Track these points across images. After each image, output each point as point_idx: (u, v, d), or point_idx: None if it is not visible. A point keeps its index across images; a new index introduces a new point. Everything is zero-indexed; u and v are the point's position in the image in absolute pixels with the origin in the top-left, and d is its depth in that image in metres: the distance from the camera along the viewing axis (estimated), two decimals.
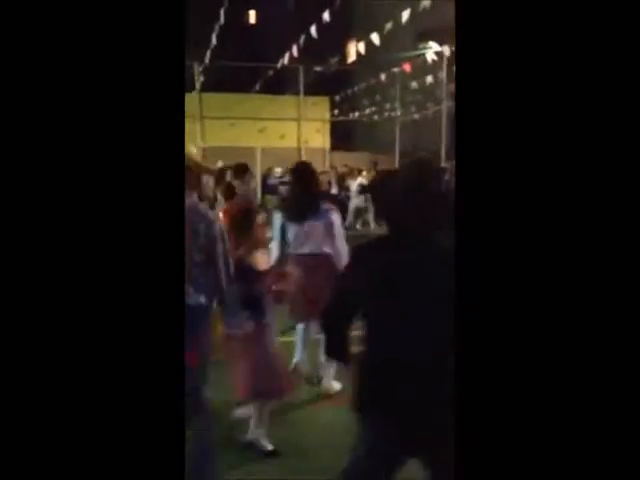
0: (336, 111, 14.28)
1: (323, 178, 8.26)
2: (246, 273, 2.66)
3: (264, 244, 2.78)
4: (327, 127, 13.81)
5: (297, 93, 12.34)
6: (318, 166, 11.33)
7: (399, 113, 12.70)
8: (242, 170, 4.63)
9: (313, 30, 7.66)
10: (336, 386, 3.32)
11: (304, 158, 12.68)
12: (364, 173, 11.34)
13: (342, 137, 15.46)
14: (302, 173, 3.20)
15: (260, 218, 2.78)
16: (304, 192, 3.11)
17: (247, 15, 18.93)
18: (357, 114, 13.98)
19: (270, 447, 2.75)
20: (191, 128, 12.06)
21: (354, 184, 10.95)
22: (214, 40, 8.50)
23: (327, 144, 13.74)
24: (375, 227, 10.93)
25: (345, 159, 13.26)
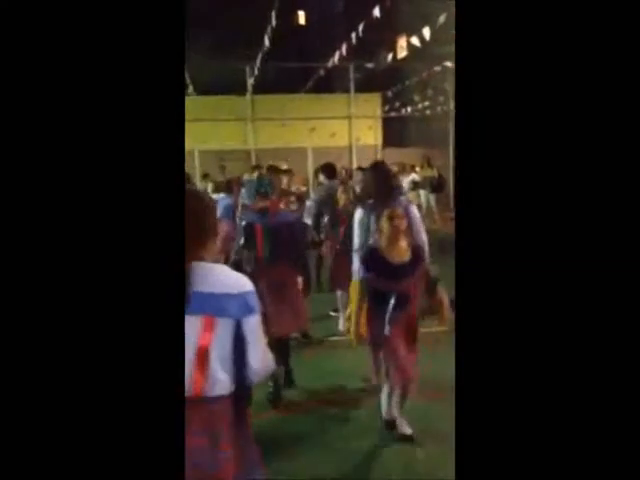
0: (387, 107, 14.16)
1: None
2: (378, 266, 2.62)
3: (405, 234, 2.76)
4: (379, 124, 13.70)
5: (348, 91, 12.31)
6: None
7: (452, 107, 12.43)
8: (332, 169, 5.41)
9: (363, 27, 7.62)
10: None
11: (355, 156, 12.68)
12: (417, 169, 11.17)
13: (394, 133, 15.31)
14: (381, 169, 3.58)
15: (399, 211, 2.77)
16: (384, 186, 3.41)
17: (296, 16, 19.04)
18: (409, 109, 13.79)
19: (408, 431, 2.78)
20: (243, 130, 12.32)
21: (406, 181, 10.81)
22: (266, 42, 8.61)
23: (379, 141, 13.62)
24: (430, 223, 10.75)
25: (397, 155, 13.11)
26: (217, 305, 1.38)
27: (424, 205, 10.94)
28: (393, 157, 12.41)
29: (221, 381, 1.40)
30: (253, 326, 1.44)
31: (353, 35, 7.97)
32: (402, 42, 10.22)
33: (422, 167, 11.15)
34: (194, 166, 11.35)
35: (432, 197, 10.88)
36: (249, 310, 1.42)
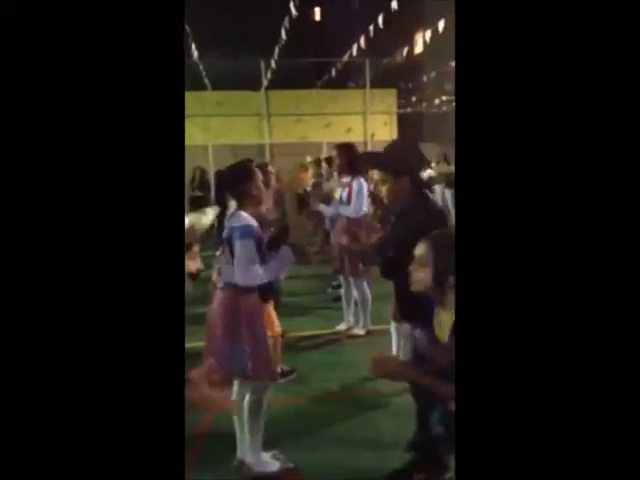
0: (403, 102, 14.07)
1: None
2: None
3: None
4: (394, 119, 13.62)
5: (363, 86, 12.26)
6: None
7: None
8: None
9: (380, 22, 7.57)
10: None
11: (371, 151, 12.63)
12: (433, 165, 11.08)
13: (410, 129, 15.22)
14: (346, 149, 4.50)
15: None
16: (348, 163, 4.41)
17: (312, 12, 19.05)
18: (425, 105, 13.70)
19: None
20: (258, 125, 12.33)
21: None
22: (283, 37, 8.60)
23: (394, 137, 13.54)
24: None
25: None
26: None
27: (440, 201, 10.86)
28: None
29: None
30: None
31: (370, 29, 7.92)
32: (419, 37, 10.15)
33: (438, 163, 11.05)
34: (208, 160, 11.40)
35: (448, 193, 10.79)
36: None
